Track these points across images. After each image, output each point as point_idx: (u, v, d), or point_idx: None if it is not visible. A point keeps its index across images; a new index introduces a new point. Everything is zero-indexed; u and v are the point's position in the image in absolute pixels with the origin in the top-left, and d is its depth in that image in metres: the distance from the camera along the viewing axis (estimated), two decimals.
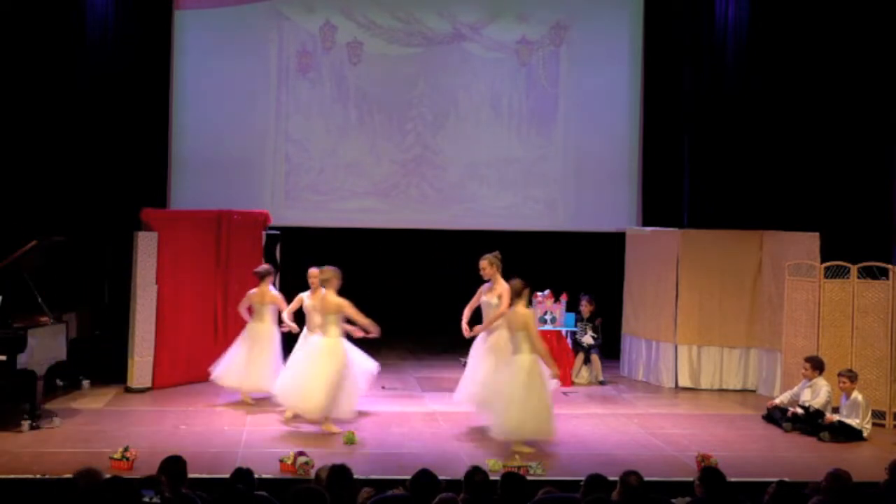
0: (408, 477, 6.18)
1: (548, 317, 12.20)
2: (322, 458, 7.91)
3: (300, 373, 9.67)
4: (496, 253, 9.98)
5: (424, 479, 5.97)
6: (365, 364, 10.17)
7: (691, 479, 6.76)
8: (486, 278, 9.86)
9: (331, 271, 9.65)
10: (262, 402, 10.60)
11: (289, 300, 10.83)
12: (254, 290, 10.73)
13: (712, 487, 6.18)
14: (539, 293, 12.18)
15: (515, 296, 9.12)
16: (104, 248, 12.54)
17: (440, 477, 6.15)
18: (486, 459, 8.14)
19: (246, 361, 10.54)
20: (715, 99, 14.19)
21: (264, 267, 11.01)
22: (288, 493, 5.51)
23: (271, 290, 10.84)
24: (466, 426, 10.02)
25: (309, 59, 14.38)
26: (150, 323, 11.24)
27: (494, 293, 9.72)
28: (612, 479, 6.23)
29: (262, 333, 10.65)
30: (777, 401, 10.62)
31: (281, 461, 8.19)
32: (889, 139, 13.50)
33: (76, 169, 13.13)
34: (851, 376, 10.11)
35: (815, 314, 10.91)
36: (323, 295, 9.69)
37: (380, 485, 6.91)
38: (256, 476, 6.66)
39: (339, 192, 14.41)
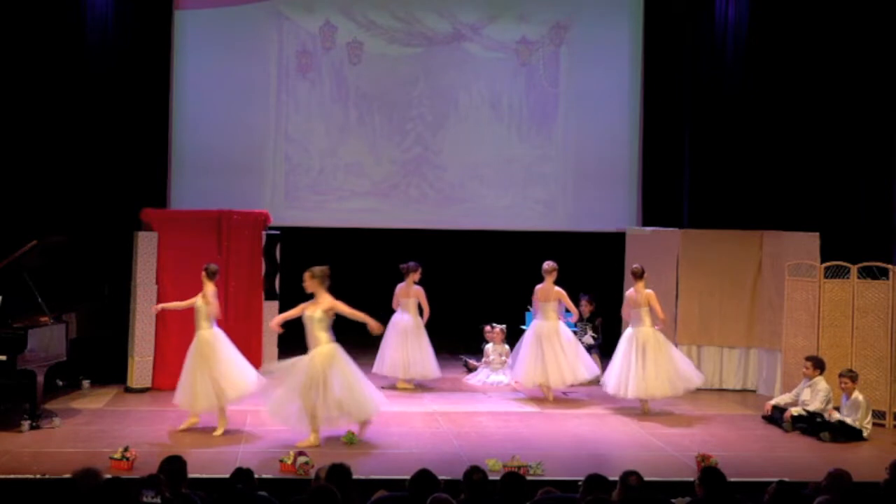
0: (407, 477, 6.18)
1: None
2: (322, 458, 7.91)
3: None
4: (324, 268, 9.50)
5: (424, 479, 5.97)
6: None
7: (691, 479, 6.77)
8: (308, 291, 9.40)
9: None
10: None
11: (288, 302, 10.84)
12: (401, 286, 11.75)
13: (712, 487, 6.17)
14: None
15: (638, 278, 10.75)
16: (104, 248, 12.53)
17: (440, 477, 6.15)
18: (486, 459, 8.13)
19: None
20: (715, 99, 14.19)
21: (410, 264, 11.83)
22: (304, 493, 5.53)
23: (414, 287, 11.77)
24: (466, 426, 10.04)
25: (309, 59, 14.38)
26: (150, 323, 11.25)
27: (318, 307, 9.29)
28: (612, 479, 6.23)
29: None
30: (776, 401, 10.62)
31: (281, 461, 8.20)
32: (889, 139, 13.50)
33: (76, 169, 13.13)
34: (852, 376, 10.11)
35: (815, 314, 10.91)
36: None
37: (380, 485, 6.92)
38: (256, 476, 6.66)
39: (338, 192, 14.41)
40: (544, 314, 11.35)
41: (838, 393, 10.19)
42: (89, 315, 11.28)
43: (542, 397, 11.36)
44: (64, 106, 13.09)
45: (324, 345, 9.19)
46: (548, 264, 11.38)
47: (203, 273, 9.77)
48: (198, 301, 9.68)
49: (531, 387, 11.47)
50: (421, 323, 11.82)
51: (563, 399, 11.49)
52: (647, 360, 10.62)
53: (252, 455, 8.53)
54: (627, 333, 10.93)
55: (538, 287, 11.36)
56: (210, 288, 9.70)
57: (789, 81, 13.91)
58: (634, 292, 10.84)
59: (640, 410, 10.73)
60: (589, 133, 14.68)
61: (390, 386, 11.69)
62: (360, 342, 11.44)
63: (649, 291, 10.82)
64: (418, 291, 11.83)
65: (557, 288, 11.33)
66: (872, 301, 10.66)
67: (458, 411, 10.72)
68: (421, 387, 11.94)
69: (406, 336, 11.74)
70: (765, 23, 14.03)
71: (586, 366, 11.41)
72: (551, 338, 11.25)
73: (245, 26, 14.19)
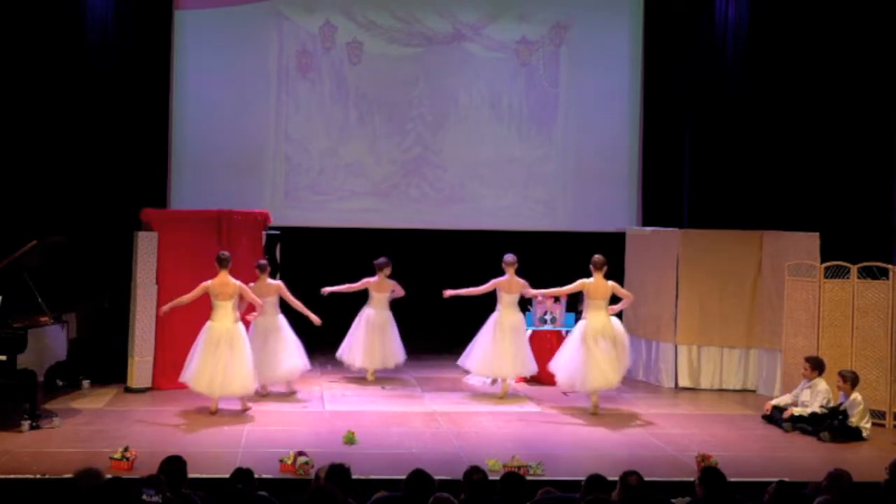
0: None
1: (548, 317, 12.21)
2: (322, 458, 7.91)
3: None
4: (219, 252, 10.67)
5: (419, 479, 5.96)
6: None
7: (691, 479, 6.77)
8: None
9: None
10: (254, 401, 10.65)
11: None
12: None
13: (712, 487, 6.18)
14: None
15: (599, 269, 10.75)
16: (104, 248, 12.53)
17: (440, 477, 6.15)
18: (486, 459, 8.13)
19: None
20: (715, 99, 14.19)
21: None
22: (304, 493, 5.53)
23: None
24: (466, 426, 10.04)
25: (309, 59, 14.37)
26: (150, 323, 11.25)
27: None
28: (611, 479, 6.23)
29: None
30: (776, 402, 10.62)
31: (281, 461, 8.20)
32: (889, 139, 13.50)
33: (76, 169, 13.13)
34: (845, 376, 10.10)
35: (815, 314, 10.91)
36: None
37: (380, 485, 6.91)
38: (256, 476, 6.66)
39: (339, 192, 14.41)
40: (509, 306, 11.45)
41: (837, 393, 10.19)
42: (89, 315, 11.29)
43: (497, 393, 11.48)
44: (64, 106, 13.09)
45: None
46: (510, 257, 11.48)
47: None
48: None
49: (483, 377, 11.77)
50: (391, 316, 12.11)
51: (563, 399, 11.48)
52: (603, 350, 10.59)
53: (252, 455, 8.52)
54: (583, 325, 10.84)
55: (502, 279, 11.42)
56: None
57: (789, 81, 13.91)
58: (594, 282, 10.74)
59: (591, 409, 10.71)
60: (589, 133, 14.67)
61: (361, 378, 12.06)
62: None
63: (612, 283, 10.81)
64: (393, 284, 12.09)
65: (520, 280, 11.47)
66: (872, 301, 10.66)
67: (458, 411, 10.71)
68: (414, 382, 11.97)
69: (377, 329, 11.98)
70: (765, 23, 14.02)
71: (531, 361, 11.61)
72: (515, 330, 11.46)
73: (245, 26, 14.19)
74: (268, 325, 11.01)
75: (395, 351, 12.13)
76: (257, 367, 10.48)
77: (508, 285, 11.44)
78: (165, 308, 10.57)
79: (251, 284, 10.75)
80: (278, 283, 11.14)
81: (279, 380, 11.18)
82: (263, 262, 11.14)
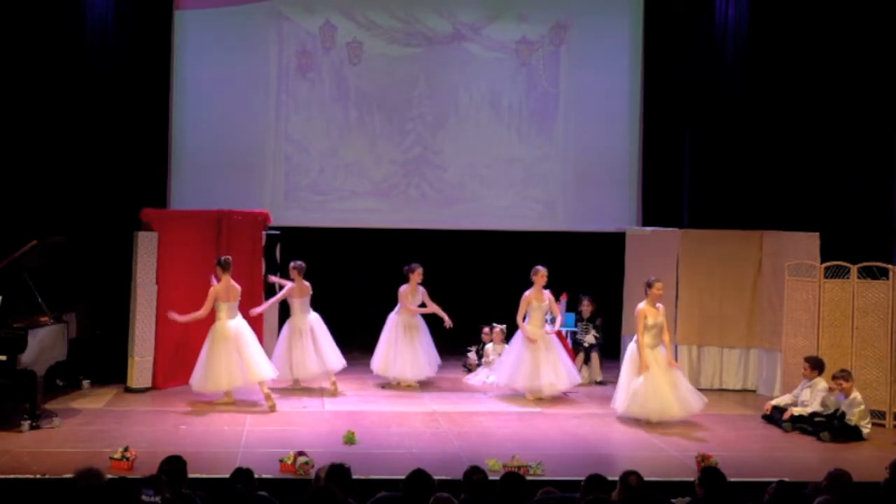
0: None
1: (548, 317, 12.19)
2: (322, 458, 7.91)
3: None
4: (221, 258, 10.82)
5: (418, 480, 5.96)
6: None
7: (691, 479, 6.77)
8: None
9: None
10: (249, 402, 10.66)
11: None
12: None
13: (712, 487, 6.18)
14: None
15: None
16: (104, 248, 12.53)
17: (440, 477, 6.15)
18: (486, 459, 8.14)
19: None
20: (715, 99, 14.18)
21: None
22: (304, 493, 5.53)
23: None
24: (466, 426, 10.04)
25: (309, 58, 14.38)
26: (150, 323, 11.25)
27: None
28: (611, 479, 6.24)
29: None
30: (776, 401, 10.62)
31: (281, 461, 8.20)
32: (889, 139, 13.49)
33: (76, 169, 13.13)
34: (847, 376, 10.10)
35: (815, 314, 10.92)
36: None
37: (380, 485, 6.91)
38: (256, 476, 6.66)
39: (339, 192, 14.41)
40: (532, 317, 11.35)
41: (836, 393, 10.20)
42: (89, 315, 11.29)
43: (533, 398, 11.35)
44: (64, 106, 13.09)
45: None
46: (534, 269, 11.39)
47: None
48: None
49: (527, 391, 11.39)
50: (418, 322, 11.92)
51: (563, 399, 11.48)
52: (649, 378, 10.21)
53: (252, 455, 8.53)
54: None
55: (528, 293, 11.31)
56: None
57: (789, 82, 13.90)
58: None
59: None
60: (589, 133, 14.67)
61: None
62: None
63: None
64: (400, 292, 11.89)
65: (546, 291, 11.38)
66: (872, 301, 10.66)
67: (458, 411, 10.72)
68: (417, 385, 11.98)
69: (412, 335, 11.85)
70: (765, 23, 14.02)
71: (569, 372, 11.42)
72: (545, 342, 11.31)
73: (245, 26, 14.19)
74: (302, 325, 11.38)
75: (417, 362, 11.86)
76: (292, 363, 11.27)
77: (536, 296, 11.31)
78: (181, 318, 10.65)
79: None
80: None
81: (315, 376, 11.50)
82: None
